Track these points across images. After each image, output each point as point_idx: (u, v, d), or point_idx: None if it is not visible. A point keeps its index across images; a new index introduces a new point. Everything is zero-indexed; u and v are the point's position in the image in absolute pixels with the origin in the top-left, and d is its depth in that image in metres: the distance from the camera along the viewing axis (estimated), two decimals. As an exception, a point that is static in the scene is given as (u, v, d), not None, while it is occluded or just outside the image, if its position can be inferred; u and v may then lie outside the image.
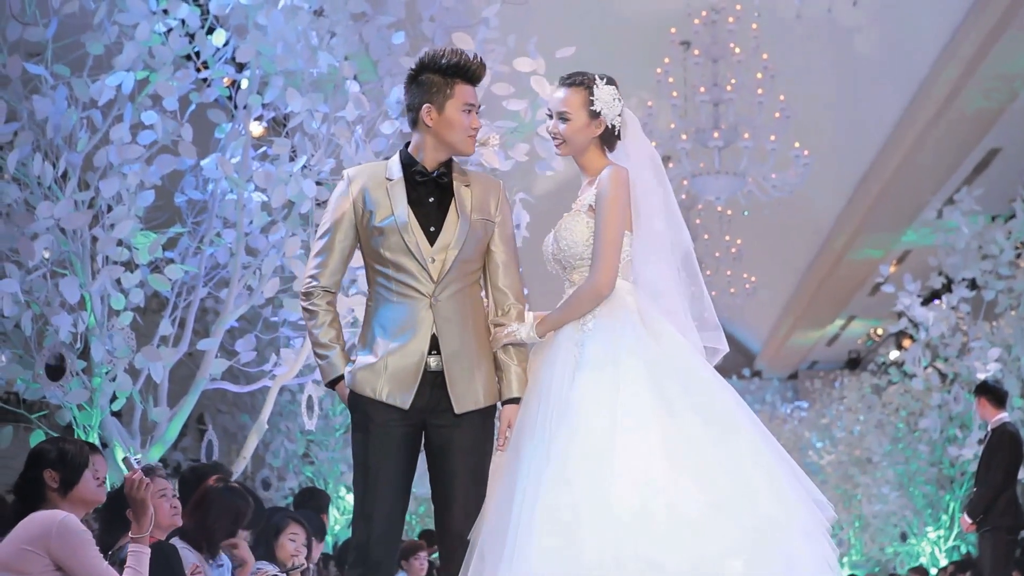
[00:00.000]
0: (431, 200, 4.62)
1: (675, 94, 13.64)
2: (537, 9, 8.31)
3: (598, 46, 11.52)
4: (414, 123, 4.67)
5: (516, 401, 4.64)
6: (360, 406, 4.62)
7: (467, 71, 4.62)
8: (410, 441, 4.61)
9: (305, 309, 4.72)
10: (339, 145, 7.65)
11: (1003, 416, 10.32)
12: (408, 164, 4.65)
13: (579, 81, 4.80)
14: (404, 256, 4.58)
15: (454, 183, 4.64)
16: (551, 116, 4.84)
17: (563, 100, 4.80)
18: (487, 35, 7.80)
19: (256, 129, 8.08)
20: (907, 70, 13.49)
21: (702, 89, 13.39)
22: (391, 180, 4.63)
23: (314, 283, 4.68)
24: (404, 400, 4.53)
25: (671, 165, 13.73)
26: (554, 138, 4.84)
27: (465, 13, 8.00)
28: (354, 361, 4.64)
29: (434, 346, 4.55)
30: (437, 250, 4.57)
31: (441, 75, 4.63)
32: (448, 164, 4.67)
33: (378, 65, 8.07)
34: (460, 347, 4.58)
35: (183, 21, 7.40)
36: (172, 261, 7.57)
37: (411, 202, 4.61)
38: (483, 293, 4.78)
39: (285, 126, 7.86)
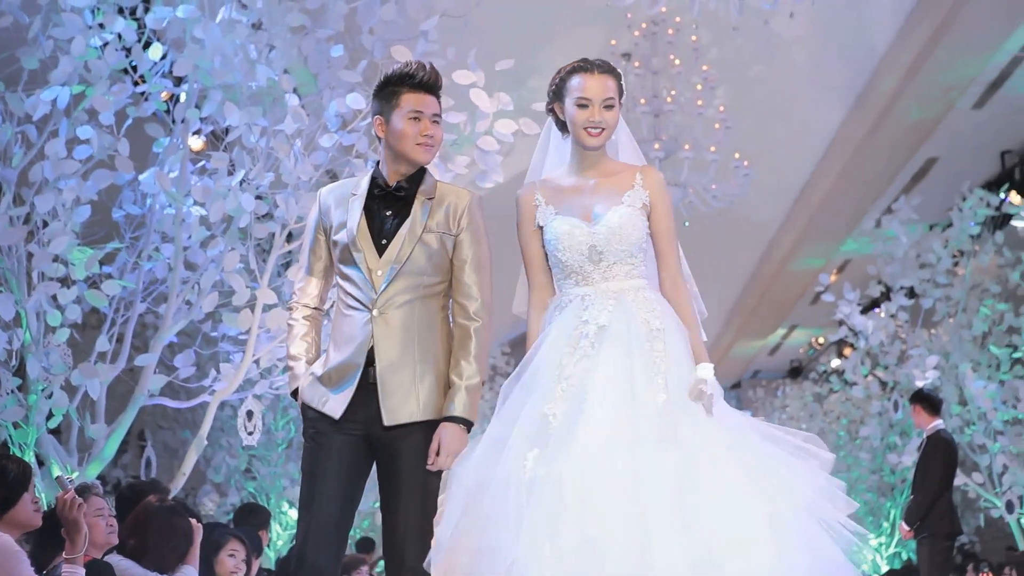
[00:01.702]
0: (388, 213, 4.65)
1: (616, 105, 13.65)
2: (477, 22, 8.29)
3: (538, 58, 11.53)
4: (377, 138, 4.75)
5: (456, 421, 4.58)
6: (307, 416, 4.68)
7: (412, 78, 4.63)
8: (351, 452, 4.60)
9: (287, 323, 4.90)
10: (278, 159, 7.62)
11: (938, 423, 10.41)
12: (374, 178, 4.70)
13: (614, 69, 4.70)
14: (352, 268, 4.62)
15: (417, 197, 4.65)
16: (584, 105, 4.60)
17: (611, 87, 4.64)
18: (426, 48, 7.80)
19: (195, 143, 8.03)
20: (846, 81, 13.59)
21: (642, 101, 13.42)
22: (354, 195, 4.69)
23: (295, 299, 4.86)
24: (336, 410, 4.55)
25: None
26: (596, 127, 4.61)
27: (404, 26, 7.99)
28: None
29: (372, 358, 4.56)
30: (383, 263, 4.58)
31: (389, 86, 4.67)
32: (415, 177, 4.69)
33: (318, 78, 8.04)
34: (399, 359, 4.56)
35: (119, 35, 7.34)
36: (110, 276, 7.50)
37: (369, 216, 4.65)
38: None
39: (223, 140, 7.82)
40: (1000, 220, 13.92)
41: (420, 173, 4.70)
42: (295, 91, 7.92)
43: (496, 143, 7.73)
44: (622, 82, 4.72)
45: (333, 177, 8.21)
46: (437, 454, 4.53)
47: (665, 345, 4.49)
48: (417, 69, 4.65)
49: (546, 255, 4.70)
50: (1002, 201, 13.71)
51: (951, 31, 11.92)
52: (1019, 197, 13.41)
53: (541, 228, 4.66)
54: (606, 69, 4.66)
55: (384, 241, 4.61)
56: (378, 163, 4.73)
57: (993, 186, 14.55)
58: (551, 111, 4.76)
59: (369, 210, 4.66)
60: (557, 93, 4.71)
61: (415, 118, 4.62)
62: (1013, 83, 12.95)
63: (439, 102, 4.69)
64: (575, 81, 4.64)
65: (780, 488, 4.21)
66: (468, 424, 4.58)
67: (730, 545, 4.04)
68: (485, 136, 7.72)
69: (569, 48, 13.37)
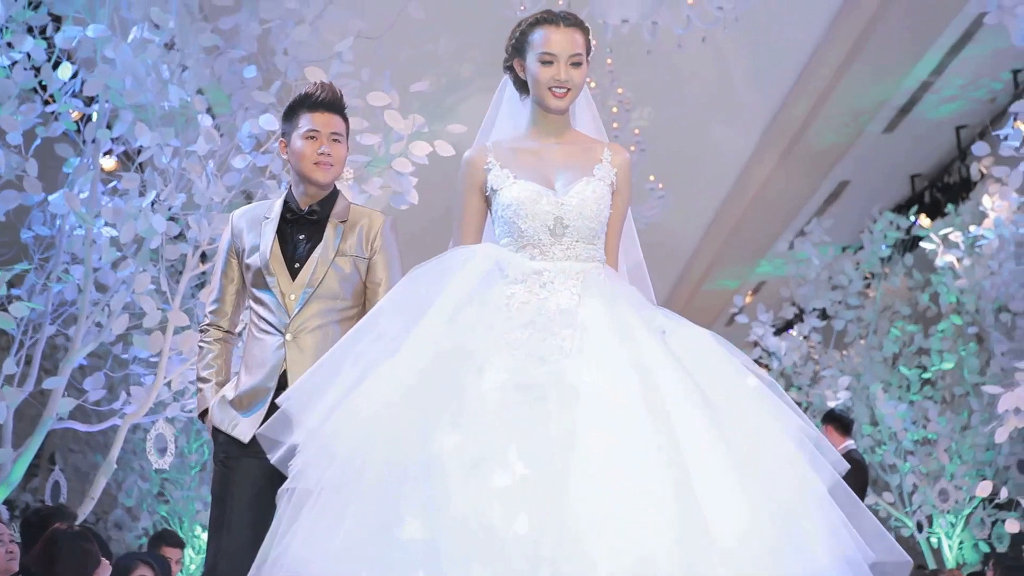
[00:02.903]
0: (301, 237, 4.65)
1: (532, 128, 13.70)
2: (391, 43, 8.30)
3: (454, 80, 11.56)
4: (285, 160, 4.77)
5: None
6: (217, 440, 4.66)
7: (309, 99, 4.65)
8: (261, 476, 4.56)
9: (198, 345, 4.89)
10: (190, 180, 7.56)
11: (849, 444, 10.50)
12: (286, 202, 4.70)
13: (581, 22, 4.21)
14: (265, 292, 4.62)
15: (330, 221, 4.64)
16: (549, 62, 4.11)
17: (578, 42, 4.15)
18: (341, 69, 7.79)
19: (107, 163, 7.96)
20: (759, 105, 13.73)
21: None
22: (267, 218, 4.69)
23: (206, 321, 4.84)
24: (246, 434, 4.53)
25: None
26: (562, 87, 4.10)
27: (319, 47, 7.98)
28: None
29: (284, 382, 4.54)
30: (296, 287, 4.58)
31: (291, 109, 4.68)
32: (327, 200, 4.68)
33: (231, 99, 8.00)
34: None
35: (28, 55, 7.26)
36: (18, 298, 7.40)
37: (282, 239, 4.64)
38: None
39: (135, 160, 7.75)
40: (910, 243, 14.12)
41: (333, 196, 4.70)
42: (210, 112, 7.87)
43: (410, 165, 7.72)
44: (590, 37, 4.22)
45: (248, 198, 8.17)
46: None
47: (664, 316, 3.97)
48: (315, 89, 4.66)
49: (483, 224, 4.17)
50: (912, 224, 13.91)
51: (862, 57, 12.08)
52: (928, 220, 13.59)
53: (493, 193, 4.10)
54: (573, 22, 4.17)
55: (297, 265, 4.61)
56: (290, 187, 4.72)
57: (903, 209, 14.75)
58: (509, 68, 4.25)
59: (282, 234, 4.66)
60: (517, 48, 4.20)
61: (312, 137, 4.62)
62: (922, 108, 13.16)
63: (343, 121, 4.68)
64: (538, 35, 4.12)
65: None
66: None
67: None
68: (400, 158, 7.72)
69: (484, 70, 13.42)
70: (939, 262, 12.74)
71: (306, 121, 4.63)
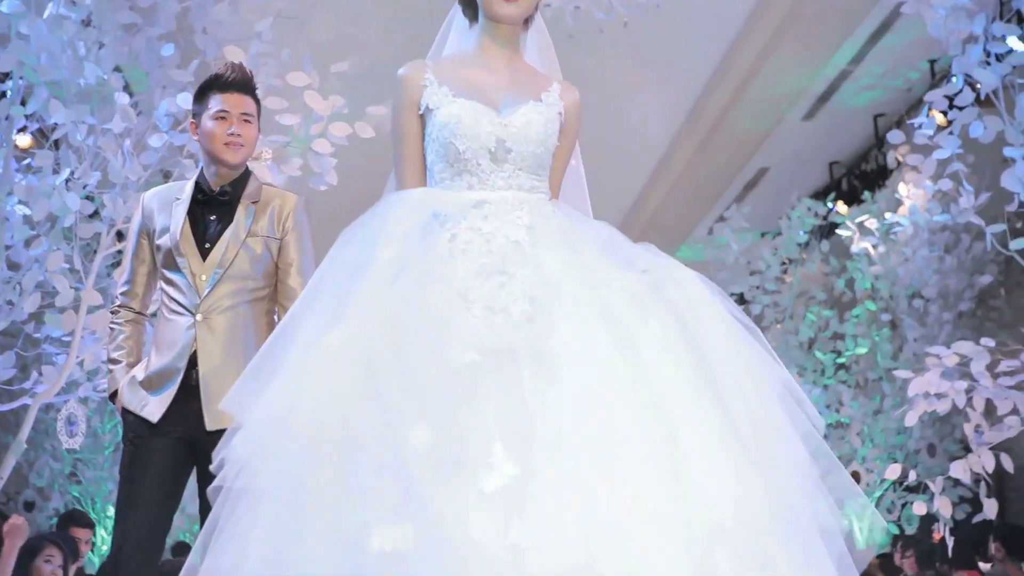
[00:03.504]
0: (212, 218, 4.63)
1: (454, 109, 13.69)
2: (312, 23, 8.24)
3: (377, 62, 11.50)
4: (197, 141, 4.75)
5: None
6: (126, 420, 4.64)
7: (219, 80, 4.64)
8: (171, 456, 4.57)
9: (109, 326, 4.84)
10: (106, 158, 7.47)
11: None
12: (198, 183, 4.66)
13: None
14: (175, 273, 4.61)
15: (241, 202, 4.63)
16: None
17: None
18: (260, 49, 7.72)
19: (22, 140, 7.84)
20: (680, 91, 13.80)
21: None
22: (178, 199, 4.68)
23: (117, 303, 4.80)
24: (155, 413, 4.51)
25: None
26: None
27: (238, 26, 7.90)
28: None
29: (194, 362, 4.52)
30: (207, 267, 4.57)
31: (201, 90, 4.66)
32: (239, 181, 4.66)
33: (149, 77, 7.91)
34: (222, 364, 4.54)
35: (-60, 29, 7.15)
36: (-72, 276, 7.30)
37: (193, 220, 4.61)
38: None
39: (49, 137, 7.65)
40: (827, 229, 14.28)
41: (245, 177, 4.69)
42: (128, 90, 7.78)
43: (330, 146, 7.68)
44: None
45: (165, 176, 8.09)
46: None
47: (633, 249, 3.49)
48: (225, 70, 4.65)
49: (425, 151, 3.66)
50: (829, 211, 14.07)
51: (782, 45, 12.18)
52: (845, 207, 13.76)
53: (428, 112, 3.61)
54: None
55: (208, 245, 4.60)
56: (202, 168, 4.70)
57: (821, 196, 14.91)
58: None
59: (193, 215, 4.65)
60: None
61: (222, 118, 4.62)
62: (841, 96, 13.29)
63: (254, 101, 4.67)
64: None
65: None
66: None
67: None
68: (319, 139, 7.67)
69: (405, 54, 13.38)
70: (855, 248, 12.91)
71: (216, 102, 4.62)
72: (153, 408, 4.55)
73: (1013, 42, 7.31)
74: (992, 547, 8.49)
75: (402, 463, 2.88)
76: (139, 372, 4.63)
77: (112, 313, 4.84)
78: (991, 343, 7.62)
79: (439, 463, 2.88)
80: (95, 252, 7.82)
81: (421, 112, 3.61)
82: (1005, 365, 7.48)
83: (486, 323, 3.14)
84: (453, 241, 3.37)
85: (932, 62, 12.20)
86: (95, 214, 7.72)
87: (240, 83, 4.66)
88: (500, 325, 3.14)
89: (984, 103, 7.52)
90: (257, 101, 4.71)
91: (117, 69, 7.83)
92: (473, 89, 3.62)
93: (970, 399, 7.53)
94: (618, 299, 3.23)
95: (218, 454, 3.19)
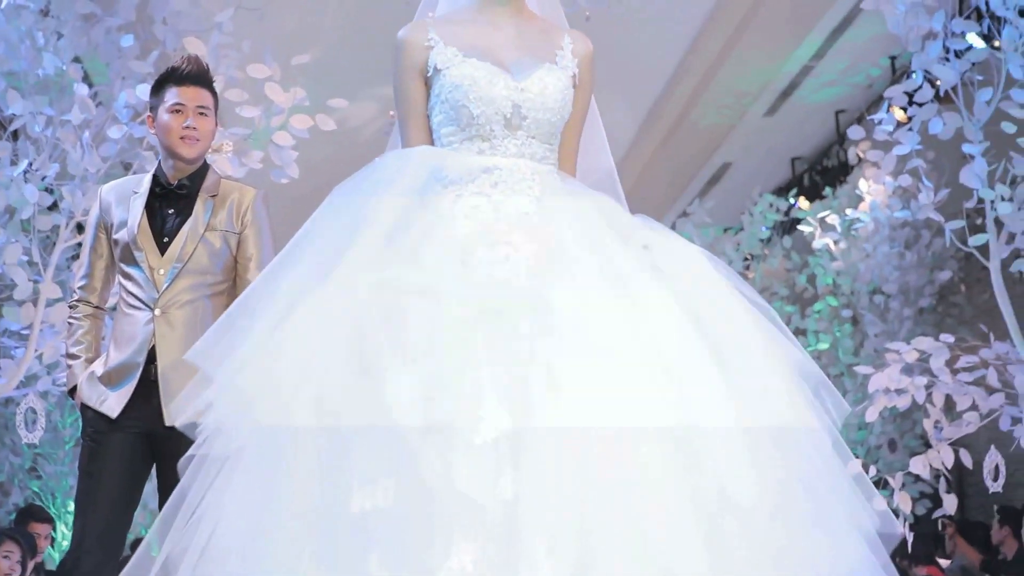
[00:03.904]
0: (170, 212, 4.62)
1: (417, 103, 13.68)
2: (273, 15, 8.21)
3: (339, 54, 11.47)
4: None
5: None
6: (85, 415, 4.63)
7: (175, 73, 4.63)
8: (130, 451, 4.56)
9: (67, 321, 4.84)
10: (64, 150, 7.42)
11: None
12: (156, 176, 4.63)
13: None
14: (133, 267, 4.60)
15: (200, 195, 4.61)
16: None
17: None
18: (221, 40, 7.67)
19: (-20, 131, 7.79)
20: (642, 86, 13.81)
21: (391, 113, 13.46)
22: (136, 193, 4.67)
23: (75, 297, 4.79)
24: (114, 408, 4.49)
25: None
26: None
27: (198, 17, 7.85)
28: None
29: (154, 357, 4.51)
30: (165, 262, 4.55)
31: (158, 84, 4.65)
32: (197, 175, 4.64)
33: (108, 68, 7.86)
34: (181, 358, 4.51)
35: None
36: None
37: (150, 215, 4.58)
38: None
39: (7, 128, 7.59)
40: (788, 225, 14.33)
41: (203, 170, 4.67)
42: (88, 81, 7.73)
43: (291, 138, 7.65)
44: None
45: (126, 168, 8.05)
46: None
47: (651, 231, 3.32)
48: (181, 63, 4.64)
49: (430, 113, 3.45)
50: (791, 207, 14.12)
51: (744, 40, 12.21)
52: (807, 203, 13.81)
53: (437, 73, 3.39)
54: None
55: (166, 240, 4.59)
56: (160, 161, 4.69)
57: (783, 192, 14.97)
58: None
59: (151, 208, 4.63)
60: None
61: (177, 111, 4.60)
62: (802, 92, 13.33)
63: (211, 94, 4.65)
64: None
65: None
66: None
67: None
68: (280, 131, 7.64)
69: (368, 45, 13.34)
70: (816, 244, 12.95)
71: (172, 95, 4.61)
72: (112, 403, 4.53)
73: (972, 39, 7.34)
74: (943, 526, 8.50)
75: (388, 419, 2.72)
76: (98, 367, 4.61)
77: (70, 308, 4.83)
78: (950, 339, 7.66)
79: (427, 416, 2.72)
80: (54, 244, 7.76)
81: (429, 74, 3.40)
82: (964, 361, 7.52)
83: (487, 287, 2.98)
84: (456, 203, 3.22)
85: (893, 58, 12.26)
86: (54, 206, 7.66)
87: (196, 76, 4.64)
88: (499, 288, 2.98)
89: (944, 99, 7.56)
90: (214, 94, 4.69)
91: (76, 60, 7.77)
92: (483, 50, 3.40)
93: (930, 395, 7.56)
94: (625, 267, 3.09)
95: (183, 411, 3.02)
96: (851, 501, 2.99)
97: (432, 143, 3.44)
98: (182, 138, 4.59)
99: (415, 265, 3.01)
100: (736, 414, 2.88)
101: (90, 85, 7.78)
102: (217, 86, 7.37)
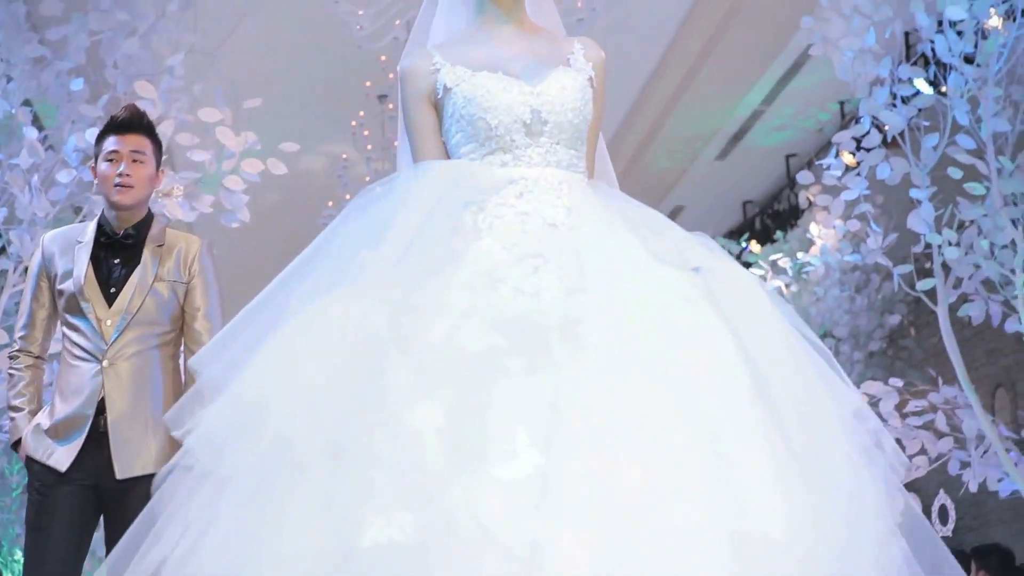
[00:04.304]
0: (116, 262, 4.58)
1: (370, 147, 13.69)
2: (225, 59, 8.20)
3: (291, 97, 11.47)
4: None
5: None
6: (32, 469, 4.57)
7: (112, 122, 4.63)
8: (79, 504, 4.51)
9: (7, 371, 4.77)
10: (13, 194, 7.37)
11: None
12: (101, 226, 4.60)
13: None
14: (80, 319, 4.55)
15: (146, 245, 4.59)
16: None
17: None
18: (172, 84, 7.67)
19: (-72, 174, 7.72)
20: (595, 130, 13.86)
21: (396, 143, 13.46)
22: (80, 242, 4.62)
23: (16, 347, 4.73)
24: (63, 463, 4.44)
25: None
26: None
27: (150, 61, 7.84)
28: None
29: (103, 409, 4.47)
30: (112, 313, 4.52)
31: (99, 135, 4.68)
32: (143, 224, 4.62)
33: (58, 112, 7.83)
34: (131, 410, 4.50)
35: None
36: None
37: (96, 265, 4.55)
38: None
39: (-45, 172, 7.54)
40: (741, 268, 14.38)
41: (148, 219, 4.65)
42: (39, 124, 7.69)
43: (242, 182, 7.63)
44: None
45: (76, 212, 8.00)
46: None
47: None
48: (119, 112, 4.63)
49: (445, 136, 3.24)
50: (742, 250, 14.18)
51: (695, 85, 12.30)
52: (759, 246, 13.88)
53: (446, 93, 3.20)
54: None
55: (113, 290, 4.55)
56: (103, 210, 4.66)
57: (735, 235, 15.04)
58: None
59: (96, 258, 4.59)
60: None
61: (112, 159, 4.58)
62: (753, 136, 13.43)
63: (148, 140, 4.63)
64: None
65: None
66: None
67: None
68: (231, 175, 7.62)
69: (320, 88, 13.36)
70: (768, 288, 13.00)
71: (109, 143, 4.61)
72: (61, 457, 4.48)
73: (920, 84, 7.43)
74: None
75: (405, 449, 2.52)
76: (43, 419, 4.55)
77: (11, 358, 4.78)
78: (899, 383, 7.71)
79: (452, 448, 2.52)
80: (1, 289, 7.70)
81: (439, 96, 3.21)
82: (913, 405, 7.57)
83: (513, 305, 2.76)
84: (479, 215, 3.01)
85: (842, 103, 12.37)
86: (1, 251, 7.61)
87: (131, 123, 4.64)
88: (529, 308, 2.76)
89: (891, 145, 7.63)
90: (154, 140, 4.66)
91: (26, 103, 7.74)
92: (492, 64, 3.22)
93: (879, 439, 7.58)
94: (661, 293, 2.85)
95: (181, 423, 2.88)
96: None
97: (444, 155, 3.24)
98: (116, 185, 4.57)
99: (437, 283, 2.81)
100: (775, 460, 2.65)
101: (40, 129, 7.75)
102: (168, 130, 7.42)
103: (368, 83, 13.28)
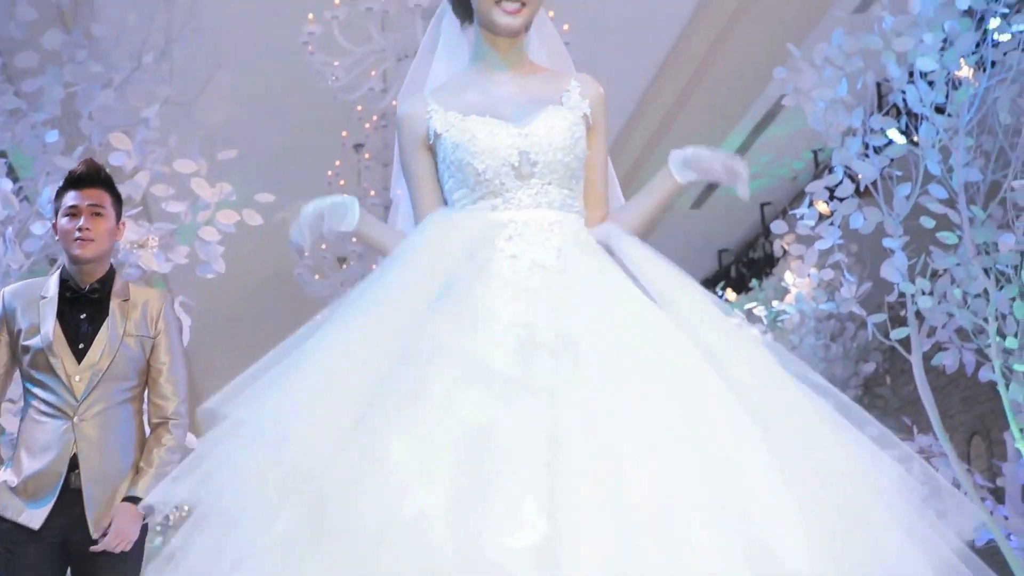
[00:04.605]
0: (83, 317, 4.56)
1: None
2: (201, 110, 8.21)
3: (267, 148, 11.49)
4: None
5: (135, 501, 4.44)
6: (0, 526, 4.51)
7: (71, 177, 4.63)
8: (47, 561, 4.47)
9: None
10: (-12, 246, 7.35)
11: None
12: (64, 280, 4.57)
13: None
14: (48, 375, 4.50)
15: (112, 300, 4.57)
16: None
17: None
18: (147, 135, 7.66)
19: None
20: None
21: (372, 192, 13.49)
22: (45, 298, 4.57)
23: None
24: (35, 521, 4.40)
25: (346, 267, 13.76)
26: (514, 2, 3.29)
27: (125, 112, 7.84)
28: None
29: (75, 465, 4.43)
30: (83, 369, 4.50)
31: (59, 191, 4.69)
32: (107, 279, 4.60)
33: (33, 163, 7.81)
34: (101, 466, 4.48)
35: None
36: None
37: (63, 320, 4.52)
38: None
39: (-72, 224, 7.51)
40: (717, 317, 14.40)
41: (112, 274, 4.64)
42: (10, 175, 7.67)
43: (218, 233, 7.63)
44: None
45: (51, 264, 7.97)
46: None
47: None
48: (78, 167, 4.64)
49: (441, 182, 3.29)
50: (718, 298, 14.22)
51: (670, 133, 12.37)
52: (734, 294, 13.92)
53: (438, 139, 3.25)
54: None
55: (82, 346, 4.52)
56: (64, 266, 4.65)
57: (711, 284, 15.08)
58: None
59: (63, 314, 4.56)
60: None
61: (72, 214, 4.57)
62: (728, 185, 13.49)
63: (107, 193, 4.63)
64: None
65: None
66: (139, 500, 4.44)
67: None
68: (207, 226, 7.62)
69: (297, 140, 13.39)
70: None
71: (68, 198, 4.61)
72: (32, 516, 4.43)
73: (893, 134, 7.47)
74: None
75: (414, 530, 2.50)
76: (10, 477, 4.50)
77: None
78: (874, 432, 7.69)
79: (457, 520, 2.51)
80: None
81: (431, 142, 3.27)
82: (888, 455, 7.56)
83: (508, 360, 2.77)
84: (468, 263, 3.04)
85: (816, 152, 12.46)
86: (-25, 302, 7.57)
87: (89, 177, 4.64)
88: (522, 363, 2.77)
89: (864, 194, 7.67)
90: (113, 193, 4.66)
91: (1, 154, 7.72)
92: (483, 108, 3.25)
93: (855, 487, 7.58)
94: (653, 340, 2.89)
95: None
96: None
97: (440, 201, 3.29)
98: (75, 239, 4.56)
99: (425, 340, 2.82)
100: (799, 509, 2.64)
101: (14, 180, 7.73)
102: (143, 181, 7.41)
103: (344, 133, 13.31)
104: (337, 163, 13.54)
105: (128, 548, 4.37)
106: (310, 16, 9.60)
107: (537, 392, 2.70)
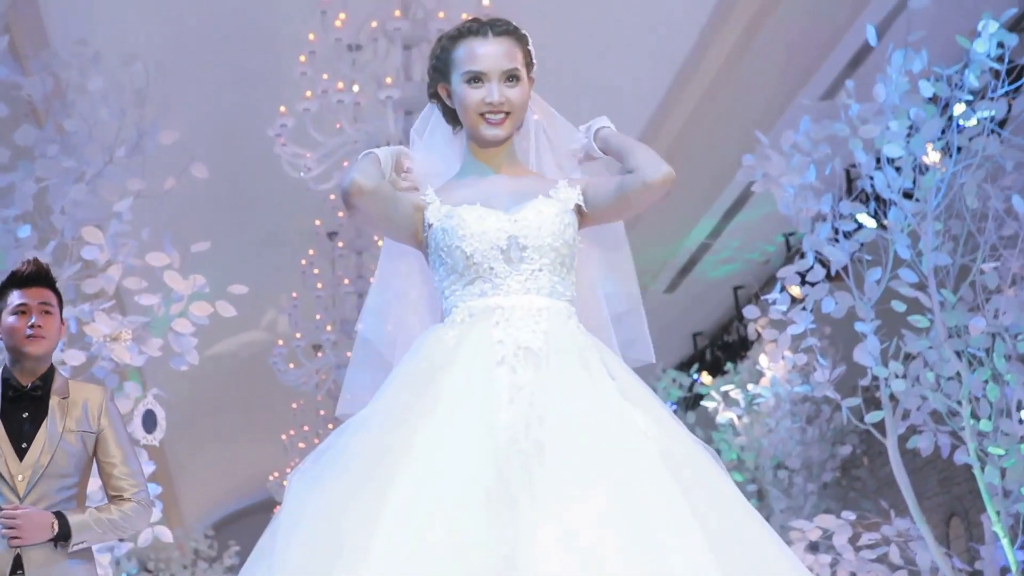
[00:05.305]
0: (25, 415, 4.57)
1: (320, 285, 13.72)
2: (173, 202, 8.22)
3: (240, 238, 11.51)
4: None
5: (58, 517, 4.43)
6: None
7: (16, 277, 4.68)
8: None
9: None
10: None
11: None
12: (6, 380, 4.58)
13: (516, 29, 3.44)
14: None
15: (52, 398, 4.58)
16: (477, 80, 3.38)
17: (514, 54, 3.40)
18: (119, 229, 7.67)
19: None
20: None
21: (347, 281, 13.51)
22: None
23: None
24: None
25: (320, 355, 13.74)
26: (496, 111, 3.37)
27: (97, 206, 7.84)
28: None
29: (19, 566, 4.42)
30: (24, 467, 4.51)
31: (3, 288, 4.67)
32: (47, 376, 4.62)
33: (5, 258, 7.80)
34: (47, 563, 4.45)
35: None
36: None
37: (6, 419, 4.55)
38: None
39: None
40: (692, 400, 14.41)
41: (51, 371, 4.67)
42: (-14, 269, 7.65)
43: (191, 325, 7.61)
44: (530, 47, 3.46)
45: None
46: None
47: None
48: (23, 267, 4.68)
49: (433, 276, 3.39)
50: (694, 382, 14.22)
51: (643, 219, 12.40)
52: (710, 378, 13.93)
53: (428, 230, 3.34)
54: (505, 30, 3.41)
55: (24, 445, 4.53)
56: (6, 366, 4.67)
57: (685, 367, 15.09)
58: (434, 96, 3.50)
59: (4, 413, 4.58)
60: (440, 68, 3.45)
61: (22, 311, 4.60)
62: (701, 268, 13.55)
63: (54, 294, 4.68)
64: (462, 50, 3.38)
65: None
66: (64, 528, 4.41)
67: None
68: (179, 318, 7.61)
69: (270, 230, 13.42)
70: (720, 419, 13.02)
71: (15, 297, 4.63)
72: None
73: (863, 218, 7.52)
74: None
75: None
76: None
77: None
78: (852, 516, 7.70)
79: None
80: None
81: (424, 235, 3.36)
82: (866, 538, 7.56)
83: (484, 444, 2.90)
84: (458, 349, 3.12)
85: (787, 235, 12.53)
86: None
87: (37, 277, 4.69)
88: (496, 448, 2.90)
89: (835, 279, 7.71)
90: (57, 294, 4.73)
91: (-28, 249, 7.70)
92: (474, 199, 3.34)
93: (834, 573, 7.58)
94: (628, 447, 3.02)
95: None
96: None
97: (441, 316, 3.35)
98: (28, 337, 4.58)
99: (409, 433, 2.96)
100: None
101: (-16, 275, 7.70)
102: (115, 274, 7.40)
103: (318, 221, 13.35)
104: (311, 251, 13.57)
105: (22, 541, 4.34)
106: (282, 108, 9.66)
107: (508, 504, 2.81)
